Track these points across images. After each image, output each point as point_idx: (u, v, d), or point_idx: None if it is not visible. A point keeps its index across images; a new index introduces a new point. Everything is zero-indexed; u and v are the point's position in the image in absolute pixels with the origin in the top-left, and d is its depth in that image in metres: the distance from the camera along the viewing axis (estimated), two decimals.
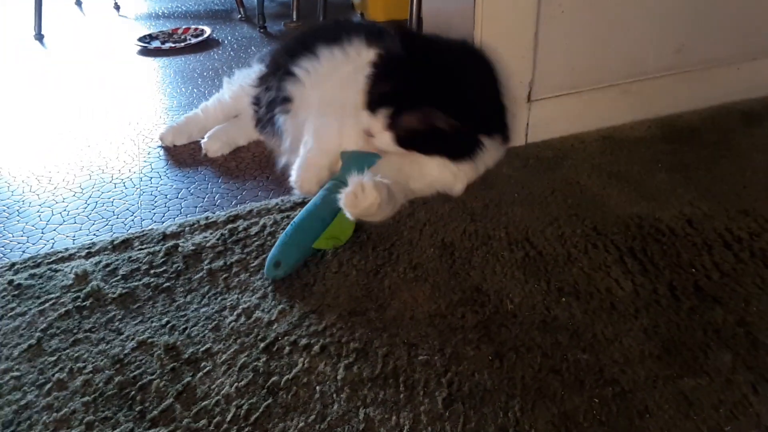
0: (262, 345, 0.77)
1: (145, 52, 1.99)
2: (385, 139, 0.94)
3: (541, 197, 1.04)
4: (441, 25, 1.26)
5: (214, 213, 1.05)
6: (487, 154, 0.99)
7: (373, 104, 0.94)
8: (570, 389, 0.69)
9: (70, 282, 0.89)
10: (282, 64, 1.18)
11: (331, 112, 1.03)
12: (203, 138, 1.29)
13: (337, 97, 1.04)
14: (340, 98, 1.02)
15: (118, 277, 0.90)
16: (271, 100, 1.18)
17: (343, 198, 0.86)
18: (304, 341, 0.77)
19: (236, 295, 0.86)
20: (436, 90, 0.91)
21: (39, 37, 2.22)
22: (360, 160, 0.96)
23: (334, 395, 0.70)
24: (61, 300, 0.86)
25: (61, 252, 0.96)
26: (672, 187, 1.06)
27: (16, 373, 0.74)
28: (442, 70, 0.91)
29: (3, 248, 1.02)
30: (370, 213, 0.87)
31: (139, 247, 0.97)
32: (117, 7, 2.52)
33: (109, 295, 0.86)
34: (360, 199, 0.85)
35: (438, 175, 1.01)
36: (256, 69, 1.31)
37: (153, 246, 0.96)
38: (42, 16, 2.24)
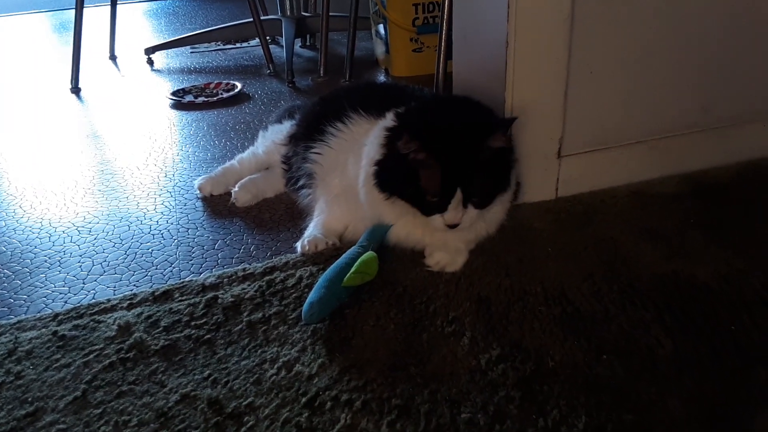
0: (303, 400, 0.77)
1: (179, 106, 2.06)
2: (471, 215, 0.97)
3: (575, 252, 1.05)
4: (470, 82, 1.29)
5: (250, 264, 1.07)
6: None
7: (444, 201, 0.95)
8: None
9: (113, 333, 0.90)
10: (301, 139, 1.25)
11: (342, 199, 1.13)
12: (234, 188, 1.33)
13: (345, 187, 1.12)
14: (349, 189, 1.10)
15: (160, 329, 0.91)
16: (294, 178, 1.25)
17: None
18: (345, 396, 0.77)
19: (276, 348, 0.86)
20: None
21: (76, 90, 2.31)
22: (378, 228, 1.06)
23: None
24: (105, 352, 0.87)
25: (103, 303, 0.98)
26: (705, 244, 1.06)
27: (62, 426, 0.75)
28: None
29: (45, 298, 1.04)
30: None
31: (180, 298, 0.98)
32: (150, 62, 2.62)
33: (152, 347, 0.88)
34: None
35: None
36: (287, 125, 1.36)
37: (193, 297, 0.98)
38: (79, 69, 2.33)
